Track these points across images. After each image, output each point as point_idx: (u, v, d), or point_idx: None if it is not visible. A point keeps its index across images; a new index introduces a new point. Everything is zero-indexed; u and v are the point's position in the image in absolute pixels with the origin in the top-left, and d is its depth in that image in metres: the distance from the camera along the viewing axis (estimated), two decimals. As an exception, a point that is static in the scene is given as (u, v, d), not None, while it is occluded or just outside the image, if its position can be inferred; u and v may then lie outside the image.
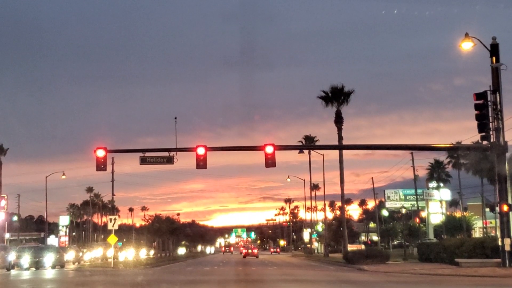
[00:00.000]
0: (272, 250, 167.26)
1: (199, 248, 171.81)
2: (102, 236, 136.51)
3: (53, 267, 52.57)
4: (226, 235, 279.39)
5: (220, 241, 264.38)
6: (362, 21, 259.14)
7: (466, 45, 38.90)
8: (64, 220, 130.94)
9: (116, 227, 55.81)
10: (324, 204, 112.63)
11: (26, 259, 52.28)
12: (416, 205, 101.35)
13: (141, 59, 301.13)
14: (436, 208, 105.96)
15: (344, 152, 68.98)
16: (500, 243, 38.96)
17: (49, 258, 53.15)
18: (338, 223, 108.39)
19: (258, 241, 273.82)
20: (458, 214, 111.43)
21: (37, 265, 52.03)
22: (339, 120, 67.56)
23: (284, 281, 32.46)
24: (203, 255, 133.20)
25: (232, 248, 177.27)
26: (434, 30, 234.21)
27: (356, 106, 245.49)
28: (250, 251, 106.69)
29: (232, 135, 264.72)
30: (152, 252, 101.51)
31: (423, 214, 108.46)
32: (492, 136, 38.91)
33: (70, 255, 68.63)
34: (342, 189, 69.60)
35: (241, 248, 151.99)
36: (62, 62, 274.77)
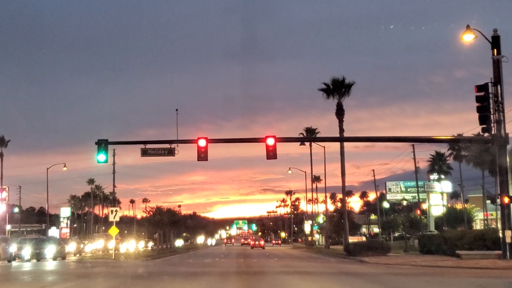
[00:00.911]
0: (274, 242, 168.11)
1: (198, 240, 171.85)
2: (103, 228, 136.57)
3: (54, 258, 52.67)
4: (227, 227, 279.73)
5: (221, 233, 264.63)
6: (363, 13, 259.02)
7: (467, 37, 38.80)
8: (65, 212, 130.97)
9: (117, 218, 55.91)
10: (325, 196, 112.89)
11: (27, 250, 52.40)
12: (417, 197, 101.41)
13: (142, 51, 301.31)
14: (437, 200, 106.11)
15: (345, 144, 68.97)
16: (501, 235, 38.98)
17: (50, 250, 53.29)
18: (339, 215, 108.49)
19: (260, 233, 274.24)
20: (459, 206, 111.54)
21: (38, 256, 52.17)
22: (340, 112, 67.52)
23: (285, 273, 32.53)
24: (205, 247, 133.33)
25: (233, 240, 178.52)
26: (436, 22, 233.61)
27: (357, 98, 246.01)
28: (257, 242, 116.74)
29: (233, 127, 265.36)
30: (150, 244, 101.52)
31: (424, 206, 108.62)
32: (493, 128, 38.87)
33: (71, 246, 68.80)
34: (343, 181, 69.66)
35: (242, 240, 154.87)
36: (63, 54, 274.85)
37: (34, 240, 56.04)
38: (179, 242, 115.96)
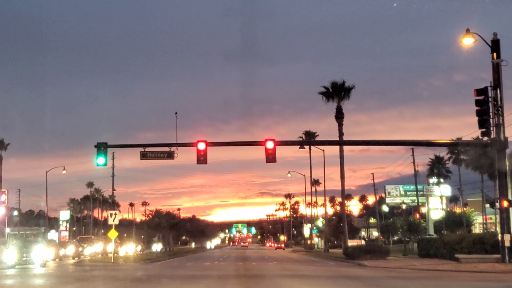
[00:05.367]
0: (276, 245, 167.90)
1: (196, 243, 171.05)
2: (102, 231, 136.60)
3: (49, 262, 52.25)
4: (226, 230, 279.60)
5: (221, 236, 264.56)
6: (363, 16, 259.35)
7: (467, 41, 38.83)
8: (64, 215, 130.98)
9: (116, 222, 55.77)
10: (325, 200, 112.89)
11: (21, 254, 51.77)
12: (416, 201, 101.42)
13: (141, 54, 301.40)
14: (436, 203, 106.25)
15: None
16: (500, 238, 39.00)
17: (45, 253, 52.67)
18: (338, 218, 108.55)
19: (259, 236, 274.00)
20: (458, 209, 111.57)
21: (28, 261, 51.25)
22: (339, 116, 67.47)
23: (284, 276, 32.52)
24: (204, 250, 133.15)
25: (236, 243, 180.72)
26: (435, 26, 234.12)
27: (356, 101, 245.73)
28: (278, 245, 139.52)
29: (233, 130, 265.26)
30: (139, 247, 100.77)
31: (423, 209, 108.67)
32: (492, 132, 38.88)
33: (70, 249, 68.67)
34: (343, 185, 69.56)
35: (242, 243, 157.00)
36: (63, 57, 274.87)
37: (29, 243, 55.52)
38: (157, 247, 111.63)
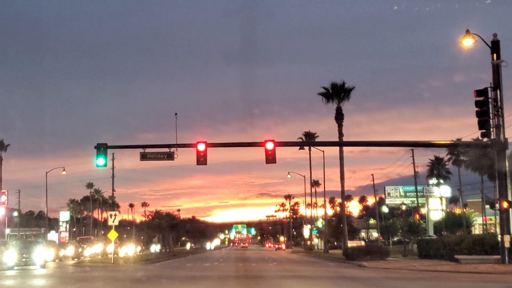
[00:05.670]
0: (276, 246, 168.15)
1: (195, 244, 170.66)
2: (102, 232, 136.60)
3: (49, 262, 52.20)
4: (226, 231, 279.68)
5: (221, 237, 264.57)
6: (363, 17, 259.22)
7: (467, 42, 38.84)
8: (64, 216, 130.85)
9: (116, 222, 55.82)
10: (324, 201, 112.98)
11: (21, 255, 51.69)
12: (416, 202, 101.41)
13: (141, 55, 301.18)
14: (436, 204, 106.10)
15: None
16: (499, 239, 39.00)
17: (44, 254, 52.59)
18: (338, 219, 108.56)
19: (258, 237, 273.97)
20: (458, 210, 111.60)
21: (28, 262, 51.17)
22: (339, 117, 67.57)
23: (284, 277, 32.53)
24: (203, 251, 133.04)
25: (236, 244, 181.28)
26: (435, 27, 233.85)
27: (356, 102, 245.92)
28: (278, 245, 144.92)
29: (232, 131, 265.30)
30: (138, 248, 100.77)
31: (423, 210, 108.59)
32: (492, 133, 38.89)
33: (70, 250, 68.67)
34: (343, 185, 69.66)
35: (242, 244, 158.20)
36: (63, 57, 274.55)
37: (28, 244, 55.45)
38: (155, 247, 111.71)
